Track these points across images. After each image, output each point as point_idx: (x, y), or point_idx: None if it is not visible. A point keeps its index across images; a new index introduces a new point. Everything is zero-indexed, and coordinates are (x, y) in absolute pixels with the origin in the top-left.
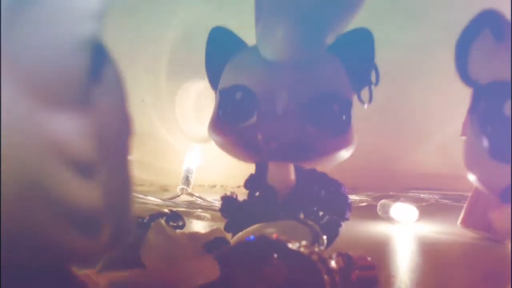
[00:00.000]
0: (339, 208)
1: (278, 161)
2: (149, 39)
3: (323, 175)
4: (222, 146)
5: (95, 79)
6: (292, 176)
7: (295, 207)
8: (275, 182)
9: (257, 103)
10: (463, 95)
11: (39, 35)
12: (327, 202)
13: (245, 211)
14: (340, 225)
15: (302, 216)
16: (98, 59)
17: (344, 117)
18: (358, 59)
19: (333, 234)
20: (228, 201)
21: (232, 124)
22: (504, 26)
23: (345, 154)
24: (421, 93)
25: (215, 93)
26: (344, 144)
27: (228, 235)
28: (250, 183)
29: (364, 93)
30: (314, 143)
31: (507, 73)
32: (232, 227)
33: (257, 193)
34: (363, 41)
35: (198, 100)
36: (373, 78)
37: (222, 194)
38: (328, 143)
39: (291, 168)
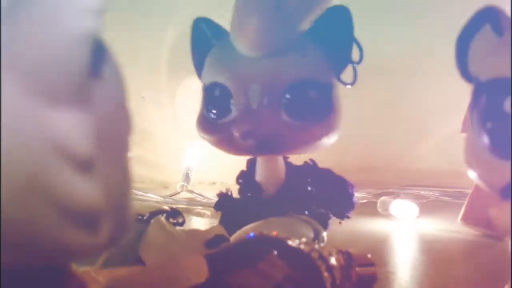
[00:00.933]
0: (341, 207)
1: (260, 155)
2: (149, 36)
3: (328, 172)
4: (210, 143)
5: (94, 76)
6: (282, 171)
7: (283, 204)
8: (263, 178)
9: (234, 98)
10: (463, 92)
11: (38, 31)
12: (329, 199)
13: (237, 208)
14: (329, 217)
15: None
16: (98, 55)
17: (323, 102)
18: (336, 38)
19: (322, 227)
20: (223, 197)
21: (214, 121)
22: (504, 22)
23: (327, 141)
24: (421, 90)
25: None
26: (324, 131)
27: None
28: (241, 179)
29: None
30: (292, 134)
31: (507, 69)
32: (225, 222)
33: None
34: (339, 19)
35: (198, 97)
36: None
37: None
38: (307, 132)
39: (280, 163)
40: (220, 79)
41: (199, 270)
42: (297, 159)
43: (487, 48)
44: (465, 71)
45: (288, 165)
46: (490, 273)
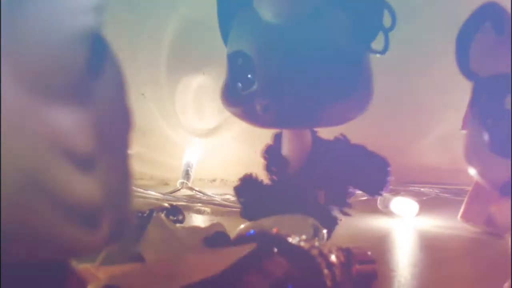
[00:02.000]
0: (374, 184)
1: (284, 129)
2: (149, 33)
3: (361, 148)
4: (234, 115)
5: (95, 73)
6: (308, 146)
7: (307, 179)
8: (289, 152)
9: (256, 68)
10: (463, 89)
11: (38, 28)
12: (361, 176)
13: (262, 191)
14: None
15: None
16: (98, 52)
17: (350, 74)
18: (365, 3)
19: (332, 224)
20: (247, 180)
21: (237, 92)
22: (504, 19)
23: (354, 114)
24: (421, 87)
25: None
26: (352, 105)
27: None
28: (267, 153)
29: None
30: (316, 108)
31: (507, 66)
32: (249, 206)
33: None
34: None
35: (198, 94)
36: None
37: (224, 188)
38: (332, 106)
39: (306, 137)
40: (243, 47)
41: (199, 267)
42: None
43: (487, 45)
44: (465, 68)
45: (317, 139)
46: (490, 270)
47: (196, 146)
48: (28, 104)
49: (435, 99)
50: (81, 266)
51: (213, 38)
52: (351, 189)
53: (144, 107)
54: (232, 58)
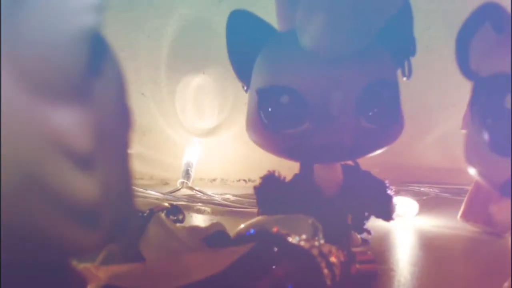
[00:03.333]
0: (384, 209)
1: (324, 163)
2: (149, 33)
3: (368, 174)
4: (262, 147)
5: (95, 73)
6: (340, 174)
7: (342, 208)
8: (323, 181)
9: (309, 108)
10: (463, 89)
11: (38, 27)
12: (372, 202)
13: (285, 192)
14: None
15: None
16: (98, 52)
17: (394, 102)
18: (399, 34)
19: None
20: (269, 178)
21: (278, 130)
22: (504, 19)
23: (387, 144)
24: (421, 87)
25: (244, 87)
26: (398, 132)
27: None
28: (295, 182)
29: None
30: (371, 139)
31: (507, 66)
32: (269, 206)
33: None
34: (401, 15)
35: (198, 93)
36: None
37: (224, 188)
38: (384, 136)
39: (339, 167)
40: (290, 83)
41: (199, 266)
42: None
43: (487, 45)
44: (465, 68)
45: (345, 168)
46: (490, 269)
47: (196, 145)
48: (28, 103)
49: (435, 98)
50: (81, 266)
51: (213, 38)
52: (368, 215)
53: (144, 106)
54: (272, 94)
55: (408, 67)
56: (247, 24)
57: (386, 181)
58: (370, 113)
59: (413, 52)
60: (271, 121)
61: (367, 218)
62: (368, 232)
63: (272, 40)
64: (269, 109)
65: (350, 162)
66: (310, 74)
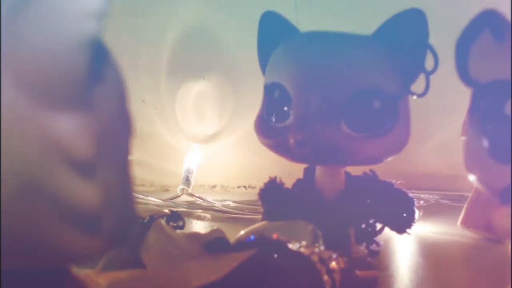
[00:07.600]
0: (400, 222)
1: (316, 165)
2: (149, 39)
3: (388, 185)
4: (266, 146)
5: (95, 79)
6: (342, 181)
7: (342, 214)
8: (322, 187)
9: (293, 103)
10: (462, 95)
11: (40, 34)
12: (387, 213)
13: (286, 198)
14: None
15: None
16: (99, 59)
17: (387, 115)
18: (409, 44)
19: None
20: (271, 184)
21: (272, 124)
22: (504, 26)
23: (390, 155)
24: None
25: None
26: (387, 145)
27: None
28: (297, 188)
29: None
30: (351, 146)
31: (507, 72)
32: (271, 212)
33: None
34: (413, 23)
35: (198, 100)
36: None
37: (224, 194)
38: (366, 146)
39: (341, 173)
40: (280, 80)
41: (199, 273)
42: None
43: (487, 52)
44: (464, 75)
45: (346, 174)
46: (490, 276)
47: (197, 152)
48: (29, 110)
49: (434, 105)
50: (82, 272)
51: (213, 45)
52: (379, 227)
53: (144, 113)
54: (269, 89)
55: (426, 84)
56: (273, 24)
57: (409, 194)
58: (354, 120)
59: (434, 67)
60: (267, 114)
61: (380, 230)
62: (377, 244)
63: (286, 39)
64: (267, 104)
65: (367, 171)
66: (296, 72)
